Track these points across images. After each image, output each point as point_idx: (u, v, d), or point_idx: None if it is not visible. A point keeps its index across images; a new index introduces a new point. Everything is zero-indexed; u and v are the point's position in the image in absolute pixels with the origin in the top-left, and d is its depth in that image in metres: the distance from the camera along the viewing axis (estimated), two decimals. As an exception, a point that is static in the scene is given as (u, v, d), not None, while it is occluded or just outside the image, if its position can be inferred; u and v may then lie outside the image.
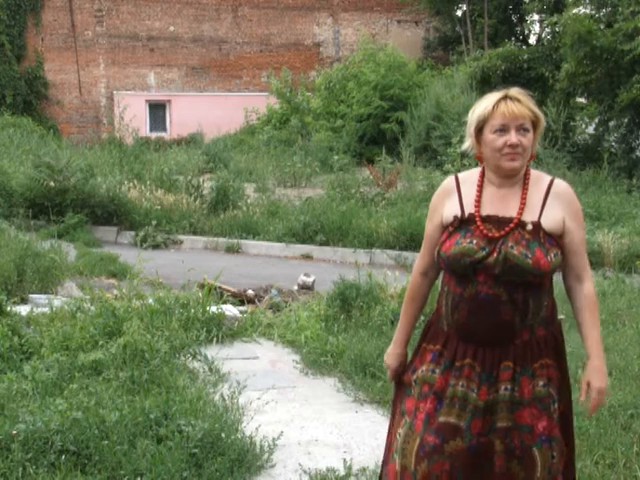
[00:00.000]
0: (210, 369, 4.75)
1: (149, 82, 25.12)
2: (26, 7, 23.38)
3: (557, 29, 17.34)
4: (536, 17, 22.84)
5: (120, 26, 24.67)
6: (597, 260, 9.22)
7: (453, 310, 2.49)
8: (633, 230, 10.07)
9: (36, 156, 12.40)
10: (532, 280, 2.40)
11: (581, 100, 17.91)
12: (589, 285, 2.50)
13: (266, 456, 3.53)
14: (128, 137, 16.60)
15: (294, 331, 5.62)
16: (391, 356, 2.72)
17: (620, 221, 10.92)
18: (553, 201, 2.47)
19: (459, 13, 24.68)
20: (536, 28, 23.92)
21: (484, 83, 18.02)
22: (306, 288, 7.69)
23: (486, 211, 2.50)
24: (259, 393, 4.37)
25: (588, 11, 16.31)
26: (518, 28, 24.04)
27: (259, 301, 7.01)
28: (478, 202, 2.52)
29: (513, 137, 2.43)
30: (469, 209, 2.51)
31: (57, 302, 5.55)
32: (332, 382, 4.74)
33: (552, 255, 2.41)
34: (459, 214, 2.51)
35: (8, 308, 5.09)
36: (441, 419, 2.44)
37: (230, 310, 6.17)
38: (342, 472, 3.42)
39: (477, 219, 2.48)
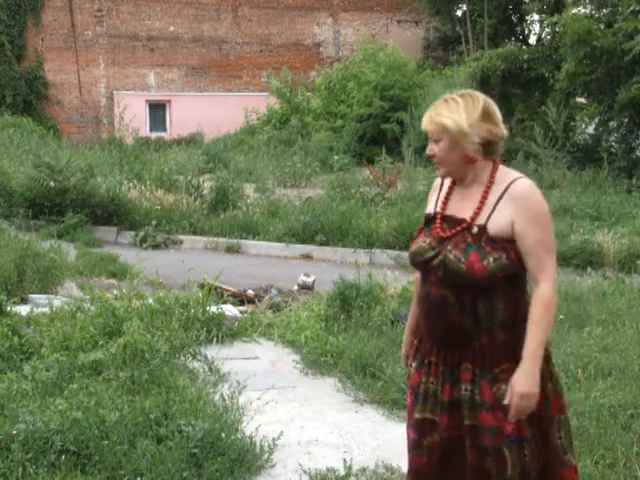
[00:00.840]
0: (210, 369, 4.75)
1: (149, 82, 25.12)
2: (26, 7, 23.38)
3: (557, 29, 17.34)
4: (536, 17, 22.85)
5: (120, 26, 24.67)
6: (597, 260, 9.22)
7: (420, 308, 2.61)
8: (633, 230, 10.07)
9: (36, 156, 12.40)
10: (475, 284, 2.40)
11: (581, 100, 17.92)
12: (544, 288, 2.42)
13: (266, 456, 3.53)
14: (128, 137, 16.60)
15: (294, 331, 5.62)
16: (404, 342, 2.84)
17: (620, 221, 10.92)
18: (505, 203, 2.45)
19: (459, 13, 24.68)
20: (536, 28, 23.94)
21: (484, 83, 18.03)
22: (306, 288, 7.69)
23: (450, 210, 2.56)
24: (259, 393, 4.37)
25: (588, 11, 16.31)
26: (518, 28, 24.04)
27: (259, 301, 7.01)
28: (445, 200, 2.60)
29: (427, 148, 2.56)
30: (440, 208, 2.60)
31: (57, 302, 5.55)
32: (332, 382, 4.74)
33: (491, 259, 2.39)
34: (432, 212, 2.62)
35: (8, 308, 5.09)
36: (417, 415, 2.55)
37: (230, 310, 6.17)
38: (342, 472, 3.42)
39: (438, 218, 2.55)
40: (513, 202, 2.44)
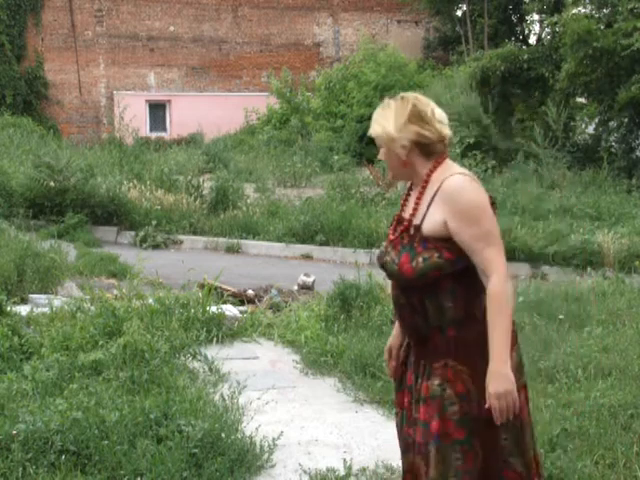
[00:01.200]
0: (210, 369, 4.75)
1: (149, 82, 25.12)
2: (26, 7, 23.37)
3: (557, 29, 17.34)
4: (536, 17, 22.85)
5: (120, 26, 24.67)
6: (597, 260, 9.22)
7: None
8: (633, 230, 10.07)
9: (36, 156, 12.40)
10: (410, 284, 2.47)
11: (581, 100, 17.92)
12: (493, 282, 2.39)
13: (266, 456, 3.53)
14: (128, 137, 16.59)
15: (294, 331, 5.61)
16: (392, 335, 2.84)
17: (620, 221, 10.91)
18: (438, 202, 2.45)
19: (459, 13, 24.68)
20: (536, 28, 23.94)
21: (484, 83, 18.02)
22: (306, 288, 7.69)
23: (404, 213, 2.61)
24: (259, 393, 4.37)
25: (588, 11, 16.30)
26: (518, 28, 24.03)
27: (259, 301, 7.01)
28: (403, 203, 2.65)
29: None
30: (398, 211, 2.68)
31: (57, 302, 5.55)
32: (332, 382, 4.74)
33: (420, 259, 2.41)
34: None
35: (8, 308, 5.09)
36: (415, 415, 2.53)
37: (230, 310, 6.16)
38: (342, 472, 3.42)
39: (394, 221, 2.63)
40: (443, 201, 2.43)
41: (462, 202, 2.41)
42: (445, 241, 2.42)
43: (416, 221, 2.48)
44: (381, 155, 2.57)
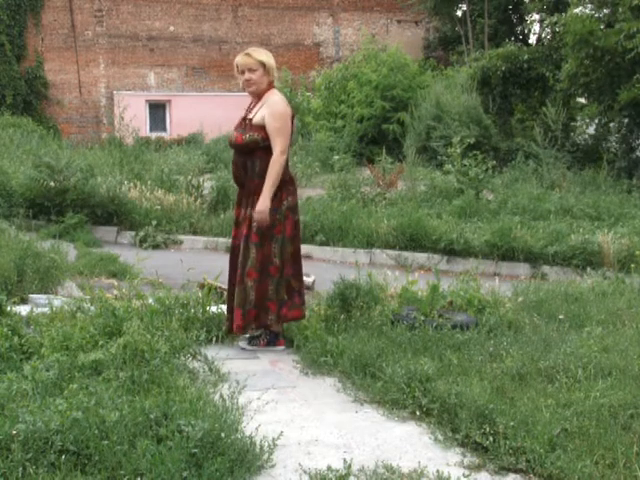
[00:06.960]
0: (210, 369, 4.75)
1: (149, 82, 25.12)
2: (26, 7, 23.39)
3: (557, 29, 17.35)
4: (536, 17, 22.86)
5: (120, 26, 24.68)
6: (597, 260, 9.21)
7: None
8: (633, 230, 10.06)
9: (36, 156, 12.40)
10: (242, 150, 5.03)
11: (581, 100, 17.93)
12: (274, 155, 4.82)
13: (266, 456, 3.52)
14: (128, 137, 16.60)
15: (294, 331, 5.61)
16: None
17: (620, 221, 10.91)
18: (265, 107, 5.00)
19: (459, 13, 24.69)
20: (536, 28, 23.95)
21: (485, 83, 18.04)
22: (306, 288, 7.68)
23: (249, 114, 5.15)
24: (259, 393, 4.37)
25: (588, 11, 16.28)
26: (518, 28, 24.04)
27: (259, 301, 6.99)
28: (247, 110, 5.23)
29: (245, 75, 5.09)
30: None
31: (57, 302, 5.54)
32: (332, 382, 4.74)
33: (247, 136, 4.93)
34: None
35: (8, 308, 5.09)
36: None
37: (230, 310, 6.14)
38: (342, 472, 3.42)
39: (241, 118, 5.27)
40: (267, 106, 4.99)
41: (274, 108, 4.92)
42: (262, 128, 4.87)
43: (250, 116, 5.00)
44: (247, 76, 5.04)
